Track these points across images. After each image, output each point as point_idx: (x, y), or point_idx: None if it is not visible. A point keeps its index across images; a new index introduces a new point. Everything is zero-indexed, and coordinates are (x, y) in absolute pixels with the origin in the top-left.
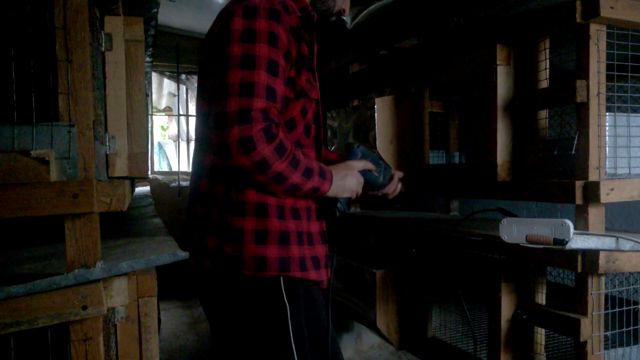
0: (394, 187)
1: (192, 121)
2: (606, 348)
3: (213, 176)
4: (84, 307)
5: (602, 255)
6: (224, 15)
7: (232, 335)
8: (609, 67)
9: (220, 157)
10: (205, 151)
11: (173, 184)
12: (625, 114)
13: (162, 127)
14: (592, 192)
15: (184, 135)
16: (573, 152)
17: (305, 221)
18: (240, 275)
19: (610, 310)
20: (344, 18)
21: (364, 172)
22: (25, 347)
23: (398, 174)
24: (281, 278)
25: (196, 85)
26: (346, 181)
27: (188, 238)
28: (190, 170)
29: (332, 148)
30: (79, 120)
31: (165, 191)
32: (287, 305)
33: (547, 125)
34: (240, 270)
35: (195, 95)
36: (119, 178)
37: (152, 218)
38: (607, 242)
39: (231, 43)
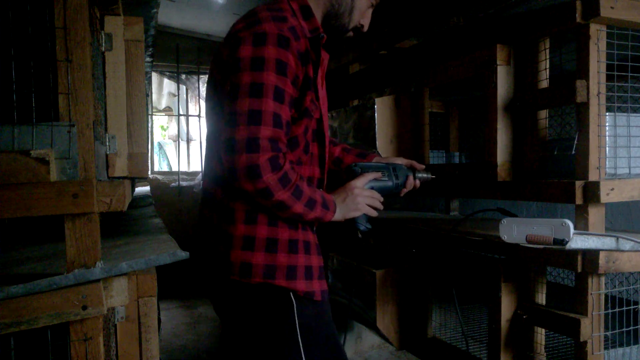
0: (412, 182)
1: (192, 121)
2: (606, 348)
3: (215, 181)
4: (84, 307)
5: (602, 255)
6: (234, 40)
7: (231, 332)
8: (609, 67)
9: (230, 180)
10: (213, 157)
11: (173, 184)
12: (625, 114)
13: (162, 127)
14: (592, 192)
15: (183, 135)
16: (573, 152)
17: (302, 230)
18: (229, 280)
19: (610, 310)
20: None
21: (371, 184)
22: (25, 347)
23: (419, 166)
24: (268, 286)
25: (196, 85)
26: (346, 203)
27: (199, 238)
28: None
29: None
30: (79, 120)
31: (165, 191)
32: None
33: (547, 125)
34: (229, 276)
35: (196, 96)
36: (119, 178)
37: (152, 218)
38: (607, 242)
39: (241, 71)
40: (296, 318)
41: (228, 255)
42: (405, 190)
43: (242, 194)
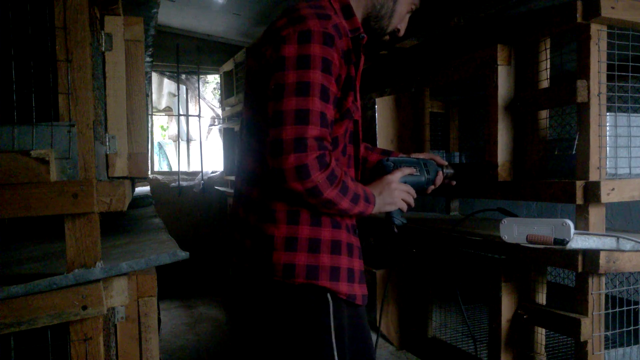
0: (441, 178)
1: (192, 121)
2: (606, 348)
3: (251, 181)
4: (84, 307)
5: (602, 255)
6: (278, 38)
7: (265, 336)
8: (610, 67)
9: (276, 181)
10: (248, 156)
11: (173, 184)
12: (625, 114)
13: (162, 127)
14: (592, 192)
15: (183, 135)
16: (574, 152)
17: (345, 232)
18: (271, 281)
19: (610, 310)
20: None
21: (405, 179)
22: (25, 347)
23: (443, 162)
24: (312, 287)
25: (196, 85)
26: (383, 196)
27: (231, 237)
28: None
29: None
30: (79, 120)
31: (165, 191)
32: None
33: (547, 125)
34: (271, 277)
35: (196, 96)
36: (119, 178)
37: (152, 218)
38: (607, 242)
39: (286, 70)
40: (332, 319)
41: (270, 256)
42: (432, 188)
43: (283, 194)
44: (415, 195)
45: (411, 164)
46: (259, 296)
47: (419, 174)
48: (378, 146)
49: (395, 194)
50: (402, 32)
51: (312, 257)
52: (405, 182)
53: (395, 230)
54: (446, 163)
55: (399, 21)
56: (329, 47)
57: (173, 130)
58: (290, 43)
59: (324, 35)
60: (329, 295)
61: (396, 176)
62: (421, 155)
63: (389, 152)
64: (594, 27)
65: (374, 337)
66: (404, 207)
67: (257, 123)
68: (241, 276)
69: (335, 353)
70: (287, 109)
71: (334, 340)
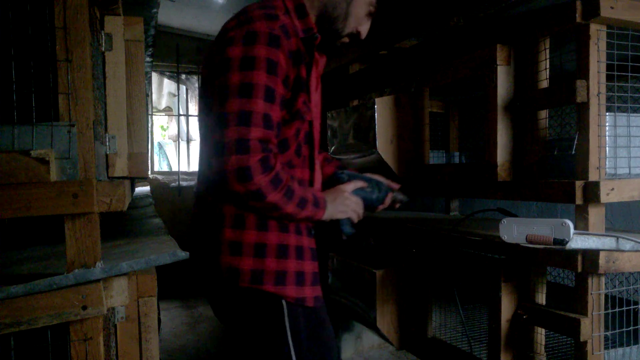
0: (389, 200)
1: (192, 121)
2: (606, 348)
3: (205, 184)
4: (84, 307)
5: (602, 255)
6: (225, 40)
7: (230, 334)
8: (609, 67)
9: (220, 184)
10: (203, 160)
11: (173, 184)
12: (625, 114)
13: (162, 127)
14: (592, 192)
15: (184, 135)
16: (573, 152)
17: (294, 235)
18: (220, 284)
19: (610, 310)
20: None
21: (357, 192)
22: (25, 347)
23: (396, 186)
24: (256, 291)
25: (196, 85)
26: (336, 203)
27: (192, 242)
28: (189, 170)
29: (332, 148)
30: (79, 120)
31: (165, 191)
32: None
33: (547, 125)
34: (220, 280)
35: (197, 96)
36: (119, 178)
37: (152, 218)
38: (607, 242)
39: (231, 71)
40: (287, 323)
41: (218, 260)
42: (381, 207)
43: (231, 197)
44: (362, 210)
45: (364, 180)
46: (217, 299)
47: (370, 189)
48: (378, 146)
49: (347, 202)
50: (363, 35)
51: (258, 262)
52: (357, 195)
53: (344, 237)
54: (398, 187)
55: (357, 23)
56: (275, 49)
57: (173, 130)
58: (235, 45)
59: (270, 36)
60: (282, 300)
61: (349, 187)
62: (375, 176)
63: (344, 166)
64: (594, 27)
65: (374, 336)
66: (354, 218)
67: (207, 127)
68: (202, 279)
69: (293, 354)
70: (230, 111)
71: (290, 343)
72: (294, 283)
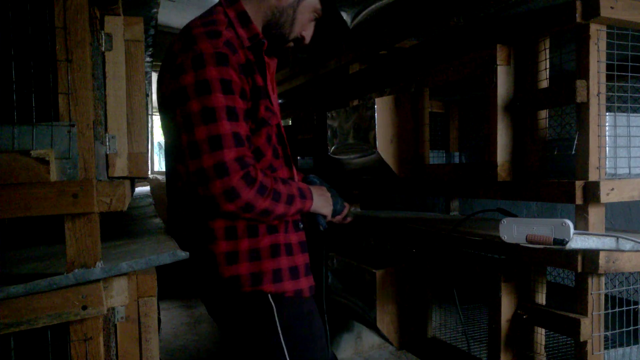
0: (345, 213)
1: None
2: (606, 348)
3: (184, 202)
4: (84, 307)
5: (602, 255)
6: (176, 67)
7: (227, 339)
8: (609, 67)
9: (211, 207)
10: (176, 179)
11: None
12: (625, 114)
13: None
14: (592, 192)
15: None
16: (573, 152)
17: (282, 233)
18: (219, 292)
19: (610, 310)
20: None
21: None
22: (25, 347)
23: (347, 205)
24: (258, 293)
25: None
26: (321, 199)
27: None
28: None
29: (332, 148)
30: (79, 120)
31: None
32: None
33: (547, 125)
34: (219, 289)
35: None
36: (119, 178)
37: (152, 218)
38: (607, 242)
39: (189, 99)
40: (277, 321)
41: (217, 271)
42: (338, 218)
43: (224, 215)
44: (331, 211)
45: (330, 190)
46: (215, 305)
47: (334, 199)
48: (378, 146)
49: (329, 200)
50: (307, 40)
51: (254, 265)
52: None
53: (321, 228)
54: (347, 206)
55: (302, 29)
56: (224, 67)
57: None
58: (187, 71)
59: (217, 55)
60: (270, 298)
61: (324, 189)
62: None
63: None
64: (594, 27)
65: (374, 336)
66: (328, 215)
67: (176, 147)
68: (201, 289)
69: (286, 352)
70: (199, 139)
71: (282, 341)
72: (289, 278)
